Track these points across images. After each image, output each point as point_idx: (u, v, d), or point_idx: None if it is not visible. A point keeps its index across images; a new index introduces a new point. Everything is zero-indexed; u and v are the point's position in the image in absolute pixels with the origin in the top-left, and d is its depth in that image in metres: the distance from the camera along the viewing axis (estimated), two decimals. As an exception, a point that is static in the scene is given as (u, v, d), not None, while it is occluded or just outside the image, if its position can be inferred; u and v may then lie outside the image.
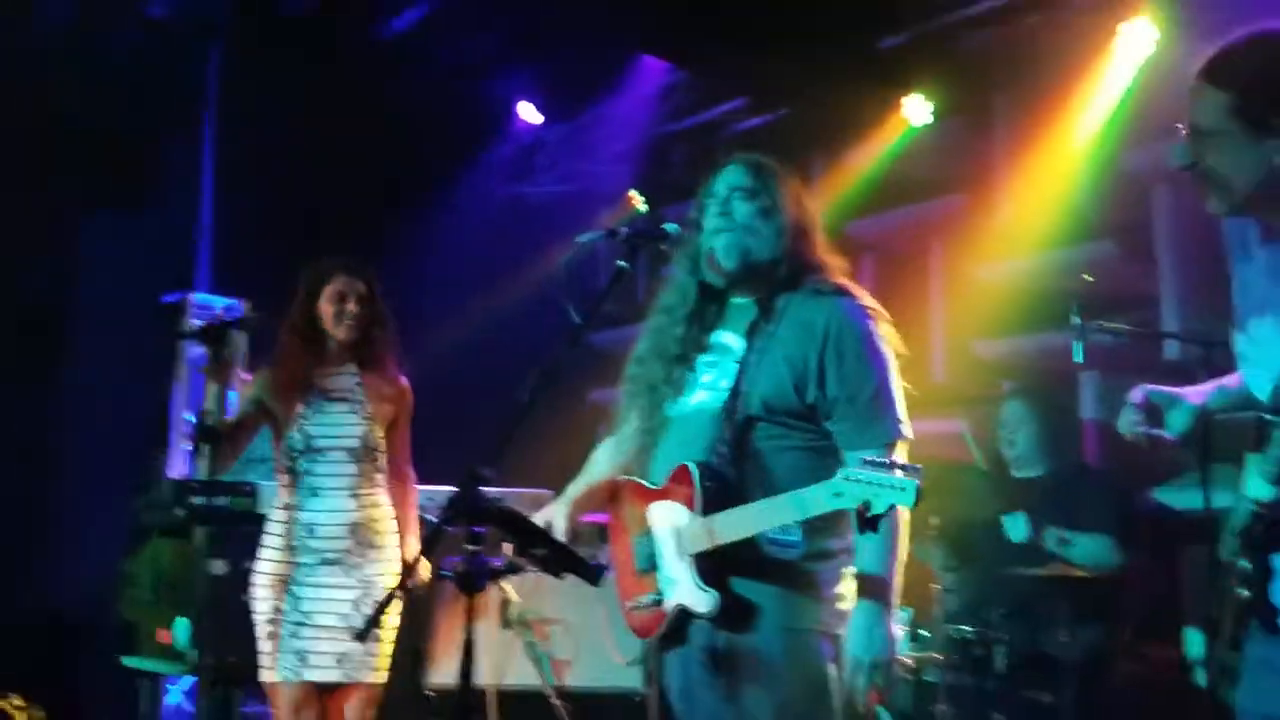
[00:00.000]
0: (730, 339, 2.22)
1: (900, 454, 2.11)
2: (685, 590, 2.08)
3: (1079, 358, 3.32)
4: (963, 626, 3.43)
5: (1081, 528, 3.41)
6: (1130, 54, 4.08)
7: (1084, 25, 4.20)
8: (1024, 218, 4.62)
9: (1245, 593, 1.70)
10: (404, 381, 3.27)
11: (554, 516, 2.30)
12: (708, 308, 2.28)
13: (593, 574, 2.13)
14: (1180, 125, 1.74)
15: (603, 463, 2.41)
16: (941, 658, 3.29)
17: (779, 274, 2.20)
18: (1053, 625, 3.22)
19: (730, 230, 2.19)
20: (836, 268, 2.24)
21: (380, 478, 3.18)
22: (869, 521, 1.87)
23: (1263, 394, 1.62)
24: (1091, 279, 3.47)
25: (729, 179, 2.24)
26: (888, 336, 2.18)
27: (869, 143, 4.99)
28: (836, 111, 5.04)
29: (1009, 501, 3.70)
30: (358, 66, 5.40)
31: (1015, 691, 3.31)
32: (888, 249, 5.35)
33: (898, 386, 2.15)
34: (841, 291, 2.19)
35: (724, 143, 5.52)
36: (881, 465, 1.87)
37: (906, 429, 2.14)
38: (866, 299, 2.21)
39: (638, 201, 5.20)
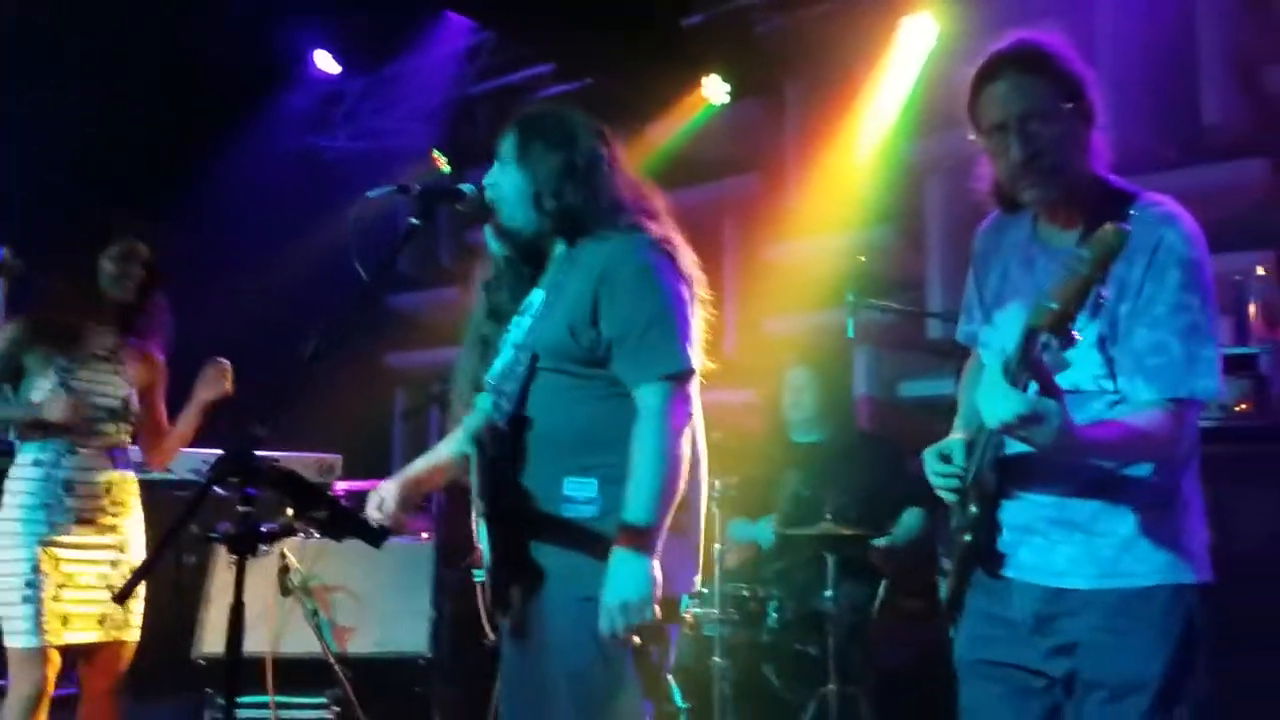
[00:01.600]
0: (536, 297, 2.19)
1: (687, 390, 2.02)
2: (488, 555, 2.04)
3: (850, 332, 3.53)
4: (740, 584, 3.60)
5: (856, 488, 3.62)
6: (913, 48, 4.32)
7: (870, 18, 4.42)
8: (812, 201, 4.85)
9: (970, 539, 1.84)
10: (160, 356, 3.25)
11: (386, 490, 2.22)
12: (521, 270, 2.23)
13: (375, 537, 2.09)
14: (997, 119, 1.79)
15: (451, 439, 2.32)
16: (719, 613, 3.44)
17: (553, 231, 2.16)
18: (821, 582, 3.42)
19: (497, 194, 2.17)
20: (641, 209, 2.15)
21: (131, 439, 3.17)
22: None
23: (978, 394, 1.70)
24: (865, 260, 3.68)
25: (500, 147, 2.20)
26: (681, 270, 2.09)
27: (670, 118, 5.10)
28: (639, 85, 5.11)
29: (790, 463, 3.91)
30: (140, 7, 5.04)
31: (786, 644, 3.49)
32: (685, 224, 5.44)
33: (684, 319, 2.04)
34: (631, 229, 2.08)
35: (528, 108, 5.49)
36: None
37: (692, 361, 2.03)
38: (658, 232, 2.10)
39: (441, 162, 5.11)
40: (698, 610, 3.45)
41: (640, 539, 1.94)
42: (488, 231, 2.23)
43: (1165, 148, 3.90)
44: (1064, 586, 1.79)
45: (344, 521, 2.08)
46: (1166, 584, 1.74)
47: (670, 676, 3.36)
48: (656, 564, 1.95)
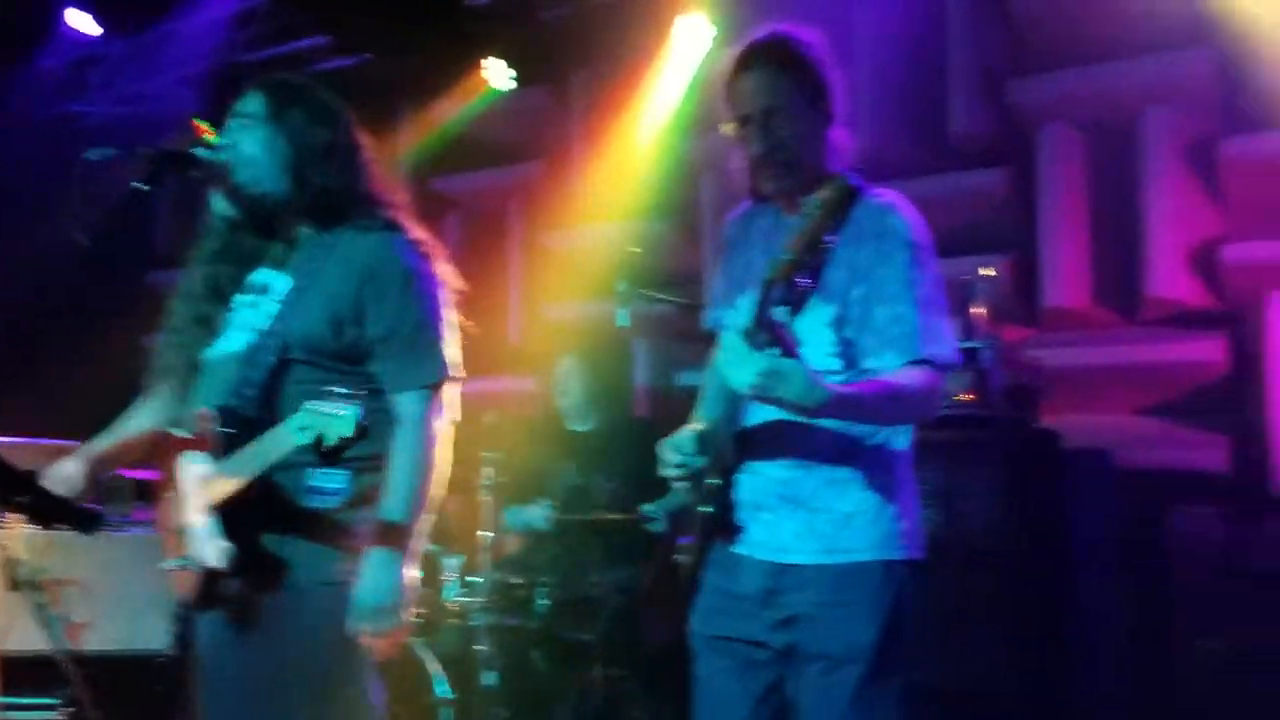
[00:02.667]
0: (273, 278, 2.11)
1: (447, 396, 2.07)
2: (206, 545, 1.95)
3: (623, 322, 3.58)
4: (508, 572, 3.59)
5: (626, 475, 3.68)
6: (688, 47, 4.41)
7: (650, 13, 4.48)
8: (596, 190, 4.89)
9: (710, 510, 1.90)
10: None
11: (69, 469, 2.10)
12: (247, 243, 2.14)
13: (84, 522, 1.97)
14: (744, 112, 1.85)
15: (143, 414, 2.21)
16: (486, 601, 3.42)
17: (299, 206, 2.09)
18: (591, 567, 3.46)
19: (237, 156, 2.06)
20: (392, 202, 2.14)
21: None
22: (327, 455, 1.85)
23: (718, 358, 1.76)
24: (637, 250, 3.74)
25: (242, 106, 2.11)
26: (440, 275, 2.11)
27: (453, 99, 5.02)
28: (420, 64, 5.00)
29: (564, 452, 3.94)
30: None
31: (555, 631, 3.51)
32: (471, 208, 5.44)
33: (447, 326, 2.08)
34: (390, 226, 2.09)
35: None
36: (336, 396, 1.83)
37: (454, 369, 2.07)
38: (417, 234, 2.12)
39: (205, 131, 4.83)
40: (464, 599, 3.42)
41: (396, 541, 1.98)
42: (217, 195, 2.11)
43: (916, 153, 4.16)
44: (789, 562, 1.87)
45: (50, 508, 1.95)
46: (880, 560, 1.85)
47: (437, 667, 3.33)
48: (411, 567, 1.99)
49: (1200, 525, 3.59)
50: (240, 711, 2.00)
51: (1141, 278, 3.73)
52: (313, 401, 1.84)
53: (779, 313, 1.63)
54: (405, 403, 2.02)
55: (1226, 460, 3.64)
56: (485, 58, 4.79)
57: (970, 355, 3.08)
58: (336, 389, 1.85)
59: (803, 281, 1.62)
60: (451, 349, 2.08)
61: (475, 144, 5.22)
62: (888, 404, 1.80)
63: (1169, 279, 3.68)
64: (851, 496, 1.86)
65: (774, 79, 1.87)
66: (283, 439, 1.88)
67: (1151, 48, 3.73)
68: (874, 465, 1.87)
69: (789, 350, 1.62)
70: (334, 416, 1.81)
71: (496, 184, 5.25)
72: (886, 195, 1.91)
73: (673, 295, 4.07)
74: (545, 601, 3.47)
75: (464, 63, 4.88)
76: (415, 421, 2.01)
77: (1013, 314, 3.91)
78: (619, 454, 3.80)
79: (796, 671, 1.87)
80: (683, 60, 4.42)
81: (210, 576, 1.99)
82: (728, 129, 1.92)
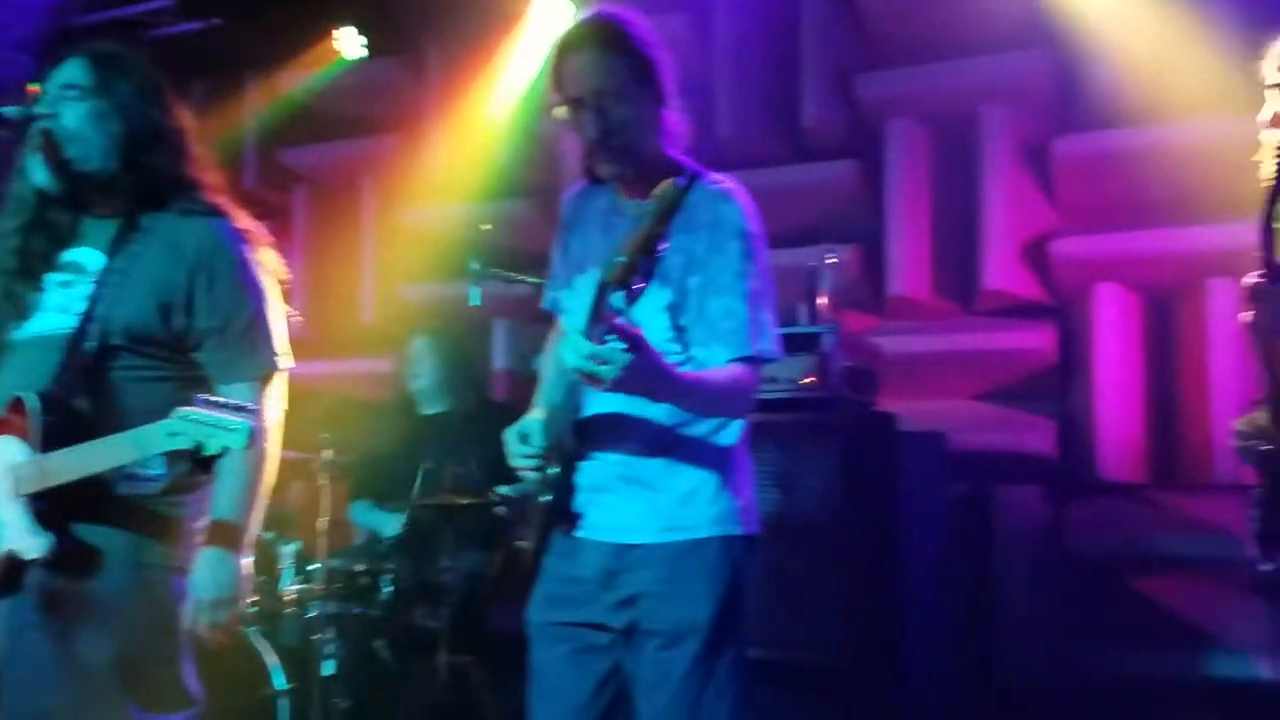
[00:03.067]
0: (88, 258, 2.02)
1: (276, 387, 2.06)
2: (17, 534, 1.88)
3: (475, 301, 3.53)
4: (350, 559, 3.51)
5: (478, 458, 3.63)
6: (547, 20, 4.34)
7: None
8: (452, 167, 4.80)
9: (549, 498, 1.90)
10: None
11: None
12: (59, 219, 2.04)
13: None
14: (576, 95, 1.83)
15: None
16: (326, 589, 3.33)
17: (126, 186, 2.02)
18: (438, 553, 3.40)
19: (60, 126, 1.96)
20: (214, 186, 2.11)
21: None
22: (202, 463, 1.82)
23: (569, 360, 1.73)
24: (489, 229, 3.69)
25: (63, 75, 2.01)
26: (266, 263, 2.10)
27: (303, 68, 4.84)
28: (269, 31, 4.80)
29: (415, 435, 3.86)
30: None
31: (400, 618, 3.45)
32: (322, 182, 5.26)
33: (276, 316, 2.09)
34: (215, 212, 2.06)
35: (147, 45, 5.01)
36: (220, 405, 1.80)
37: (284, 360, 2.08)
38: (244, 221, 2.11)
39: (39, 95, 4.54)
40: (301, 587, 3.33)
41: (231, 537, 1.98)
42: (37, 165, 1.99)
43: (770, 144, 4.23)
44: (630, 542, 1.88)
45: None
46: (718, 536, 1.88)
47: (274, 657, 3.23)
48: (247, 561, 1.99)
49: (1026, 505, 3.78)
50: (45, 698, 1.91)
51: (978, 270, 3.88)
52: (188, 409, 1.79)
53: (615, 300, 1.64)
54: (235, 394, 1.98)
55: (1053, 444, 3.83)
56: (337, 26, 4.64)
57: (813, 340, 3.16)
58: (225, 398, 1.82)
59: (637, 285, 1.63)
60: (280, 339, 2.08)
61: (326, 115, 5.06)
62: (719, 396, 1.86)
63: (1003, 271, 3.84)
64: (691, 476, 1.89)
65: (603, 60, 1.86)
66: (147, 441, 1.82)
67: (992, 48, 3.87)
68: (712, 446, 1.91)
69: (634, 344, 1.63)
70: (221, 428, 1.77)
71: (348, 157, 5.09)
72: (721, 182, 1.93)
73: (532, 276, 4.03)
74: (390, 589, 3.41)
75: (315, 30, 4.71)
76: None
77: (860, 302, 4.03)
78: (472, 437, 3.74)
79: (634, 650, 1.88)
80: (541, 34, 4.36)
81: (14, 563, 1.90)
82: (559, 112, 1.90)
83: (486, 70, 4.58)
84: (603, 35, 1.88)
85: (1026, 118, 3.90)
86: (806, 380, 3.10)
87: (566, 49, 1.88)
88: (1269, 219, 1.64)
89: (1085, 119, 3.79)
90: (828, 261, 3.31)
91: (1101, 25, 3.67)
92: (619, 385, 1.64)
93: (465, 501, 3.43)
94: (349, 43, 4.63)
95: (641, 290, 1.64)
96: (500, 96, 4.56)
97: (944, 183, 4.04)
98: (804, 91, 4.16)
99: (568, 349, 1.64)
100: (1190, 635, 3.47)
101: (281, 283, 2.13)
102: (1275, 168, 1.65)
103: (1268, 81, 1.78)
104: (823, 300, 3.30)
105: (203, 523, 2.03)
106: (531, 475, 1.90)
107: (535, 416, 1.92)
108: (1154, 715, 3.40)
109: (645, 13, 1.94)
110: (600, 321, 1.63)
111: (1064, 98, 3.88)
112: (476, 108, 4.63)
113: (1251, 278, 1.63)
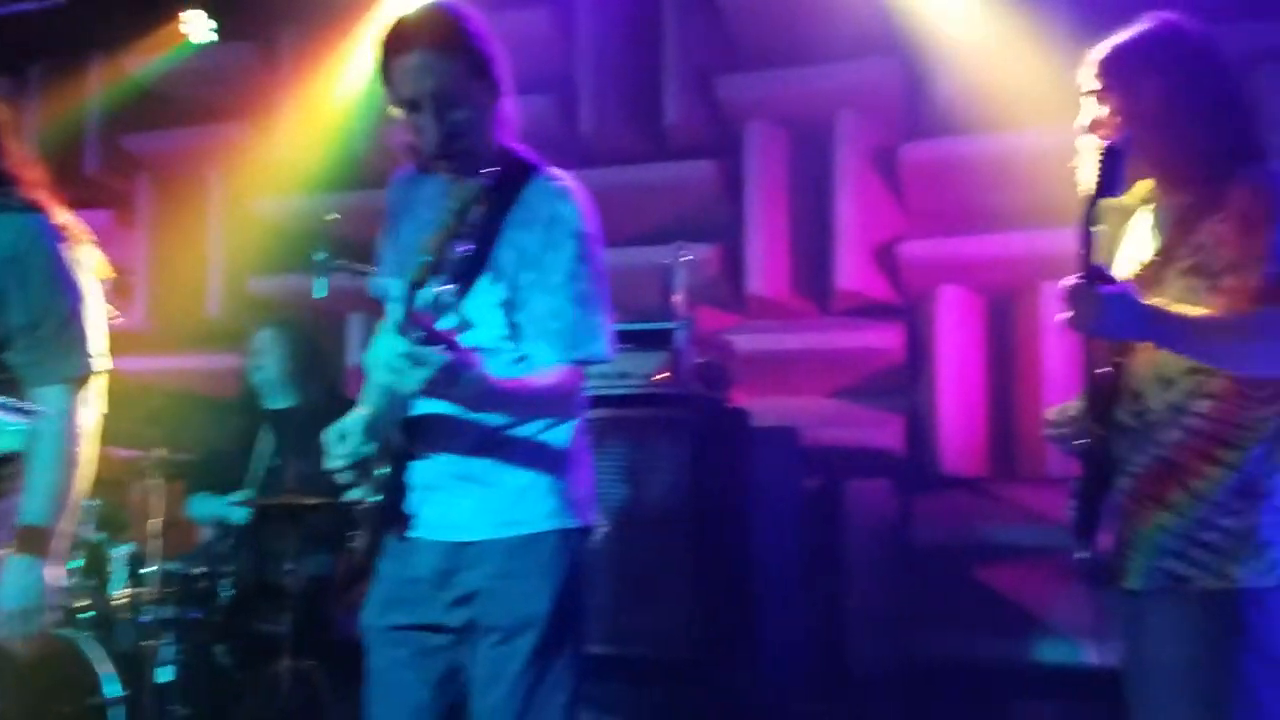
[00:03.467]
0: None
1: (92, 390, 1.98)
2: None
3: (321, 293, 3.43)
4: (188, 562, 3.36)
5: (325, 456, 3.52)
6: (401, 9, 4.27)
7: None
8: (302, 157, 4.65)
9: (380, 499, 1.85)
10: None
11: None
12: None
13: None
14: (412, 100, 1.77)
15: None
16: (161, 593, 3.17)
17: None
18: (282, 554, 3.28)
19: None
20: (30, 181, 2.01)
21: None
22: None
23: (379, 359, 1.70)
24: (335, 219, 3.59)
25: None
26: (86, 261, 2.01)
27: (149, 51, 4.63)
28: (113, 11, 4.58)
29: (259, 431, 3.72)
30: None
31: (241, 622, 3.32)
32: (166, 170, 5.03)
33: (93, 316, 2.00)
34: (30, 208, 1.97)
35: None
36: (8, 409, 1.75)
37: (100, 362, 1.99)
38: (62, 218, 2.01)
39: None
40: (134, 590, 3.16)
41: (38, 543, 1.90)
42: None
43: (633, 142, 4.24)
44: (465, 540, 1.85)
45: None
46: (554, 530, 1.86)
47: (107, 665, 3.07)
48: (54, 569, 1.92)
49: (874, 498, 3.90)
50: None
51: (832, 271, 3.98)
52: None
53: (446, 294, 1.61)
54: (47, 396, 1.94)
55: (899, 439, 3.96)
56: (185, 8, 4.45)
57: (666, 336, 3.18)
58: (7, 400, 1.77)
59: (444, 288, 1.61)
60: (97, 340, 2.00)
61: (172, 100, 4.85)
62: (540, 399, 1.84)
63: (856, 273, 3.95)
64: (525, 471, 1.87)
65: (438, 61, 1.78)
66: None
67: (846, 55, 3.98)
68: (544, 444, 1.89)
69: (436, 339, 1.60)
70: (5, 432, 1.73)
71: (194, 144, 4.88)
72: (558, 179, 1.91)
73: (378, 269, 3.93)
74: (230, 592, 3.27)
75: (161, 11, 4.51)
76: (58, 415, 1.93)
77: (720, 300, 4.08)
78: (318, 434, 3.62)
79: (473, 646, 1.85)
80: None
81: None
82: (393, 112, 1.85)
83: (339, 59, 4.46)
84: (436, 32, 1.80)
85: (876, 124, 4.02)
86: (659, 376, 3.12)
87: (397, 47, 1.80)
88: (1088, 223, 1.72)
89: (931, 126, 3.93)
90: (682, 259, 3.34)
91: (947, 37, 3.81)
92: (432, 388, 1.61)
93: (311, 501, 3.32)
94: (197, 26, 4.45)
95: (457, 288, 1.62)
96: (351, 85, 4.45)
97: (801, 185, 4.12)
98: (666, 90, 4.19)
99: (377, 348, 1.61)
100: (1025, 621, 3.63)
101: (106, 281, 2.06)
102: (1092, 173, 1.72)
103: (1084, 89, 1.87)
104: (677, 297, 3.32)
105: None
106: (345, 476, 1.84)
107: (358, 415, 1.86)
108: (991, 698, 3.54)
109: (506, 8, 1.90)
110: (412, 323, 1.59)
111: (912, 105, 4.02)
112: (328, 96, 4.51)
113: (1070, 280, 1.70)
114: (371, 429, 1.82)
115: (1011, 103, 3.55)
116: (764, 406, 3.64)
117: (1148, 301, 1.70)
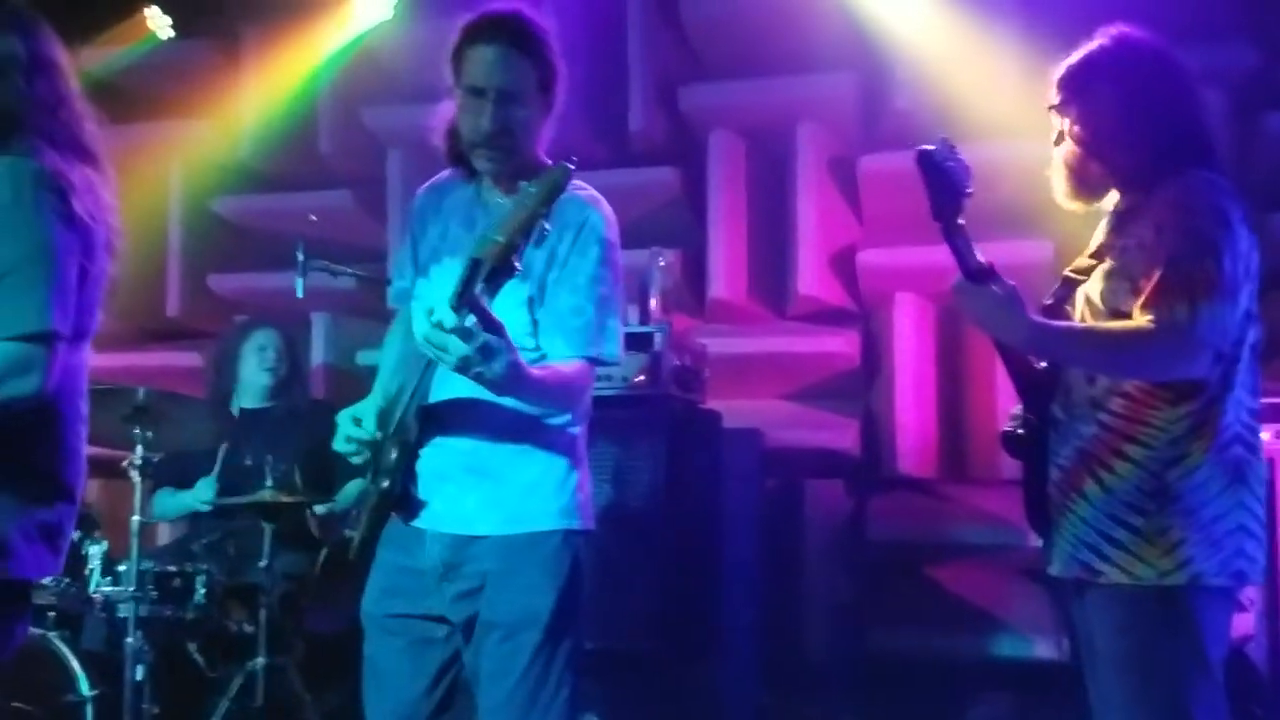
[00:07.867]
0: None
1: (53, 352, 1.76)
2: None
3: (300, 293, 3.45)
4: (163, 560, 3.36)
5: (300, 456, 3.54)
6: (364, 10, 4.29)
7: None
8: (265, 154, 4.65)
9: (387, 485, 1.90)
10: None
11: None
12: None
13: None
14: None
15: None
16: (135, 591, 3.17)
17: None
18: (256, 553, 3.30)
19: None
20: (52, 131, 1.90)
21: None
22: None
23: (420, 329, 1.72)
24: (315, 220, 3.62)
25: None
26: (74, 212, 1.81)
27: (108, 45, 4.56)
28: (74, 6, 4.50)
29: (232, 431, 3.72)
30: None
31: (214, 620, 3.32)
32: (123, 166, 4.94)
33: (61, 271, 1.78)
34: (23, 153, 1.82)
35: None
36: None
37: (57, 322, 1.76)
38: (54, 164, 1.83)
39: None
40: (109, 590, 3.16)
41: None
42: None
43: (598, 148, 4.32)
44: (472, 533, 1.90)
45: None
46: (558, 529, 1.93)
47: (77, 663, 3.06)
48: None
49: (832, 497, 4.04)
50: None
51: (791, 277, 4.11)
52: None
53: (480, 290, 1.63)
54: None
55: (856, 441, 4.10)
56: (146, 4, 4.41)
57: (645, 340, 3.28)
58: None
59: (516, 265, 1.61)
60: (65, 301, 1.78)
61: (131, 95, 4.78)
62: (561, 393, 1.90)
63: (814, 279, 4.08)
64: (534, 469, 1.93)
65: (516, 59, 1.89)
66: None
67: (806, 67, 4.10)
68: (556, 441, 1.95)
69: (494, 328, 1.64)
70: None
71: (156, 140, 4.83)
72: (588, 191, 2.00)
73: (352, 268, 3.96)
74: (204, 590, 3.28)
75: (121, 7, 4.47)
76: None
77: (682, 304, 4.18)
78: (295, 433, 3.64)
79: (474, 642, 1.90)
80: (360, 24, 4.30)
81: None
82: (457, 95, 1.91)
83: (302, 57, 4.47)
84: (519, 33, 1.90)
85: (834, 135, 4.16)
86: (638, 379, 3.21)
87: (477, 38, 1.89)
88: (949, 229, 1.84)
89: (889, 138, 4.07)
90: (660, 264, 3.43)
91: (905, 52, 3.95)
92: (466, 366, 1.62)
93: (287, 500, 3.34)
94: (159, 20, 4.42)
95: (515, 271, 1.62)
96: (319, 82, 4.46)
97: (761, 193, 4.24)
98: (630, 99, 4.28)
99: (422, 318, 1.62)
100: (975, 616, 3.80)
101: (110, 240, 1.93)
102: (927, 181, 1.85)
103: (1050, 104, 1.99)
104: (654, 301, 3.41)
105: None
106: (356, 460, 1.89)
107: (372, 400, 1.92)
108: (946, 692, 3.70)
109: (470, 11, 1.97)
110: (465, 301, 1.60)
111: (870, 118, 4.16)
112: (292, 96, 4.51)
113: (957, 279, 1.83)
114: (383, 415, 1.87)
115: (967, 116, 3.68)
116: (727, 408, 3.75)
117: (1077, 297, 1.84)
